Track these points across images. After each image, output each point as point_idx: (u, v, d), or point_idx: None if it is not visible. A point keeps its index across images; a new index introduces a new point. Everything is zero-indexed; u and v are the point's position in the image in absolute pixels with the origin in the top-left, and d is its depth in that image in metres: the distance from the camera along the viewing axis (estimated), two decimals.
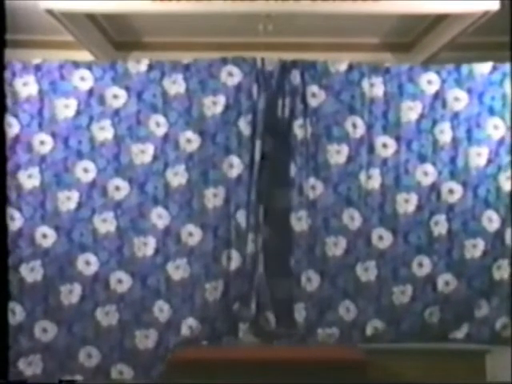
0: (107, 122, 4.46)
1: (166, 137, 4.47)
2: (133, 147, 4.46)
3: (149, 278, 4.45)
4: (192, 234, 4.46)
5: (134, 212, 4.45)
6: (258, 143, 4.48)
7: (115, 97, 4.46)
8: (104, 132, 4.46)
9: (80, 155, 4.45)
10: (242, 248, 4.46)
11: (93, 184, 4.45)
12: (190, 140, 4.48)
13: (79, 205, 4.44)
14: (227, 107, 4.48)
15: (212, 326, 4.47)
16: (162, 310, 4.45)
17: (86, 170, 4.45)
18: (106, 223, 4.45)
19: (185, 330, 4.44)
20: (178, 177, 4.47)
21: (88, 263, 4.43)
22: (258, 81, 4.50)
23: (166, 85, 4.48)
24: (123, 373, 4.43)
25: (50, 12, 4.70)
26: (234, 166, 4.48)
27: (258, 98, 4.48)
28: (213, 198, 4.47)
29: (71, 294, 4.42)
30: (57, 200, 4.43)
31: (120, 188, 4.46)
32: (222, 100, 4.48)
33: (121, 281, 4.44)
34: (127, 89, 4.47)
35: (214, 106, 4.49)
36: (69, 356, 4.41)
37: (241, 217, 4.45)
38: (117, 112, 4.47)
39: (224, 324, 4.48)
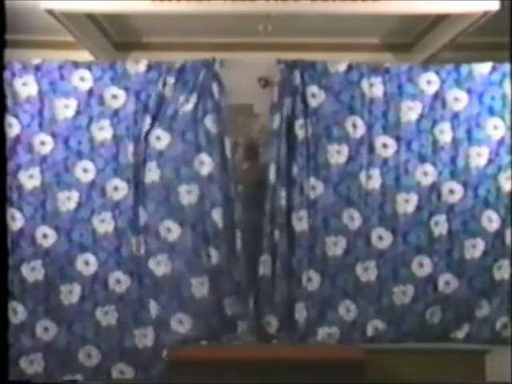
0: (106, 122, 4.47)
1: (146, 135, 4.50)
2: (129, 147, 4.49)
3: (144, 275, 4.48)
4: (171, 230, 4.47)
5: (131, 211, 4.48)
6: (226, 140, 4.51)
7: (114, 97, 4.48)
8: (103, 132, 4.48)
9: (80, 155, 4.47)
10: (220, 245, 4.48)
11: (92, 184, 4.47)
12: (160, 137, 4.49)
13: (79, 205, 4.46)
14: (196, 105, 4.50)
15: (203, 322, 4.46)
16: (154, 307, 4.46)
17: (85, 170, 4.46)
18: (104, 223, 4.46)
19: (176, 327, 4.44)
20: (151, 174, 4.47)
21: (87, 263, 4.45)
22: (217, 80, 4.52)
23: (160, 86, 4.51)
24: (124, 372, 4.45)
25: (50, 12, 4.70)
26: (205, 163, 4.49)
27: (220, 97, 4.51)
28: (187, 194, 4.48)
29: (71, 293, 4.44)
30: (57, 200, 4.44)
31: (118, 188, 4.47)
32: (192, 98, 4.50)
33: (119, 281, 4.45)
34: (126, 89, 4.49)
35: (186, 103, 4.51)
36: (70, 355, 4.42)
37: (216, 215, 4.47)
38: (116, 112, 4.49)
39: (214, 320, 4.48)
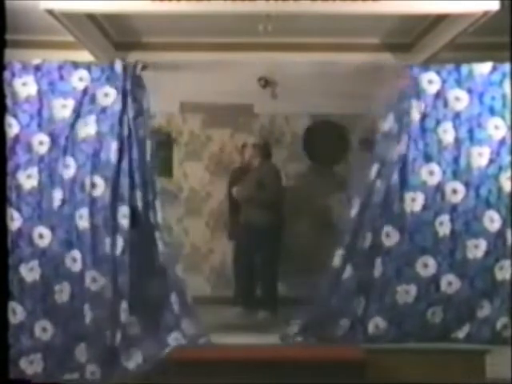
0: (96, 119, 4.47)
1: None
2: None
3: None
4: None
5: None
6: (148, 144, 4.56)
7: (106, 95, 4.48)
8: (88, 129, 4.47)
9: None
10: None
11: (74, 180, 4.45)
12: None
13: (63, 202, 4.44)
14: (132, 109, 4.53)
15: (153, 319, 4.50)
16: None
17: (67, 167, 4.45)
18: (82, 220, 4.42)
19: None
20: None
21: (75, 260, 4.41)
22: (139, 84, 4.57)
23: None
24: (94, 372, 4.37)
25: (50, 12, 4.68)
26: None
27: (142, 101, 4.55)
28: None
29: (62, 292, 4.41)
30: (52, 199, 4.43)
31: (97, 185, 4.44)
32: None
33: (95, 279, 4.41)
34: (117, 88, 4.50)
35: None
36: (67, 355, 4.40)
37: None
38: (104, 110, 4.49)
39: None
